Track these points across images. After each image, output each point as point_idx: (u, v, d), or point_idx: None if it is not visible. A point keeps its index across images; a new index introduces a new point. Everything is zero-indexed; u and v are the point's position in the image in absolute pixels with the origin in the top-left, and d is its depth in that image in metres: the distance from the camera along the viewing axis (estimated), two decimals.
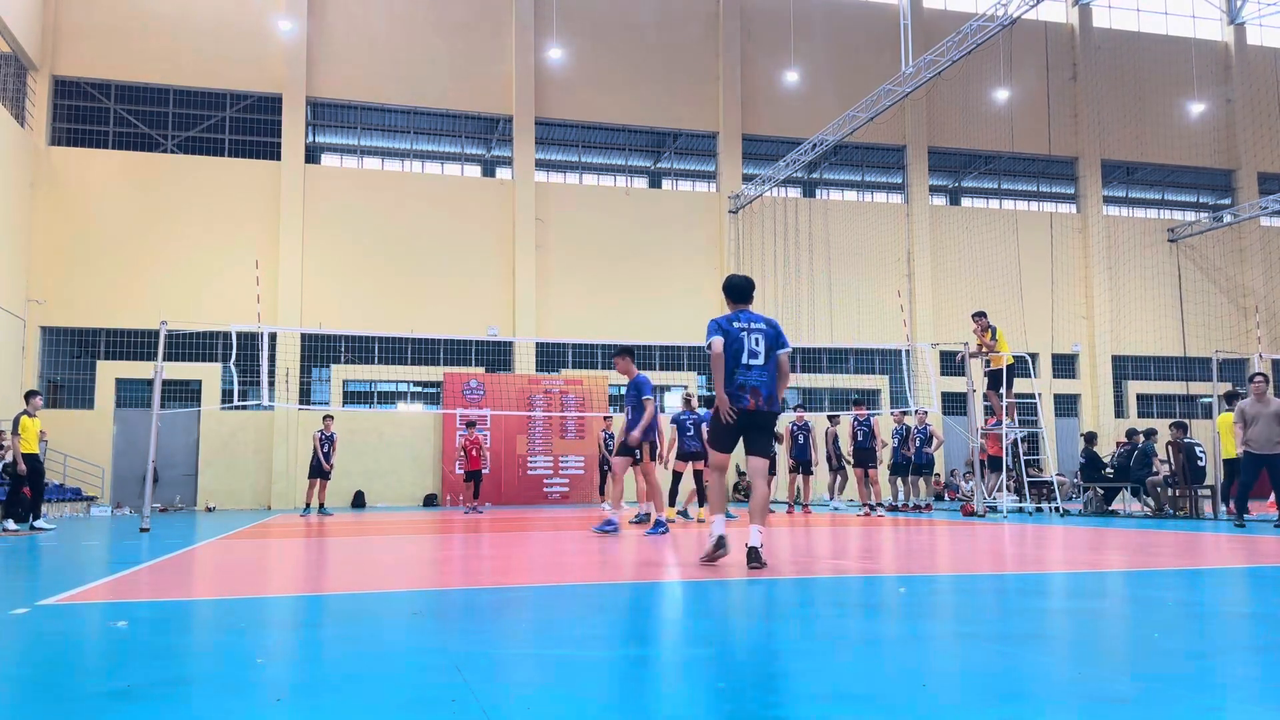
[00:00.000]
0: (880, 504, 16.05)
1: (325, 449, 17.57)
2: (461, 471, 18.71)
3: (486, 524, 13.28)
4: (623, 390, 25.09)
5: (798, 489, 17.19)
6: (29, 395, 13.87)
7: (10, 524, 13.13)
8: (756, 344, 6.35)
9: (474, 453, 18.31)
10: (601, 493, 19.79)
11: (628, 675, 2.92)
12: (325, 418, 18.15)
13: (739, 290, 6.62)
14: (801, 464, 16.63)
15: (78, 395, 22.17)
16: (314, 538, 10.28)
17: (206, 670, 3.06)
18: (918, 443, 17.25)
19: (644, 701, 2.57)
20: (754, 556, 6.00)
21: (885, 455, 17.63)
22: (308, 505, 17.84)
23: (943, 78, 21.43)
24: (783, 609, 4.45)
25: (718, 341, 6.35)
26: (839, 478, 17.91)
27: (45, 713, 2.49)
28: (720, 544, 6.26)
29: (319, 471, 17.60)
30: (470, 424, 18.91)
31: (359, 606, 4.73)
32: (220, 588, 5.55)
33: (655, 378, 24.01)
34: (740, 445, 6.51)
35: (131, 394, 22.34)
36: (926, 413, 17.87)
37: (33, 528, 12.95)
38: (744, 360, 6.32)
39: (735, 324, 6.43)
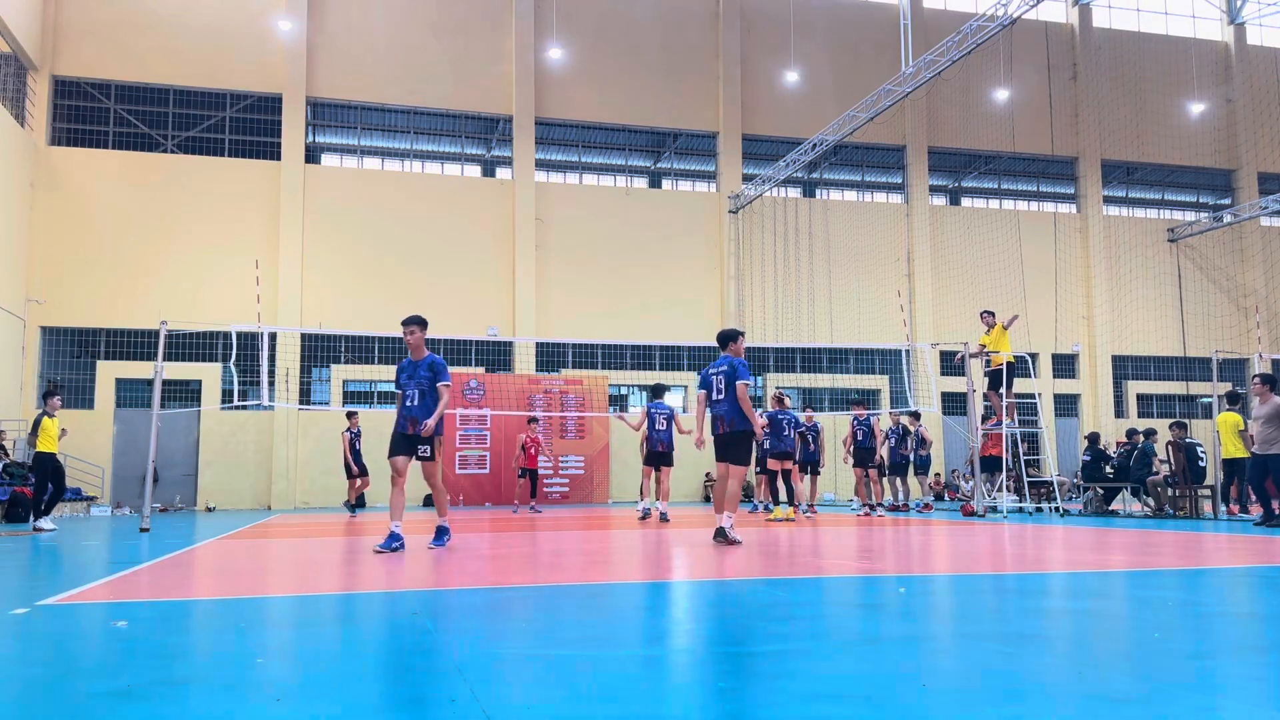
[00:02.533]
0: (881, 504, 16.08)
1: (358, 445, 17.28)
2: (517, 469, 18.31)
3: (487, 524, 13.29)
4: (624, 390, 25.31)
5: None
6: (47, 395, 13.77)
7: (45, 523, 13.09)
8: (720, 383, 8.48)
9: (532, 450, 17.92)
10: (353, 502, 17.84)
11: (628, 675, 2.92)
12: (349, 414, 17.73)
13: (719, 340, 8.81)
14: (809, 464, 16.56)
15: (78, 395, 22.15)
16: (314, 538, 10.27)
17: (206, 670, 3.06)
18: (914, 443, 17.24)
19: (644, 701, 2.57)
20: (719, 535, 8.18)
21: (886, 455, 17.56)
22: (352, 504, 17.62)
23: (943, 78, 21.43)
24: (782, 609, 4.45)
25: (701, 394, 8.79)
26: (899, 479, 17.61)
27: (45, 713, 2.49)
28: (720, 533, 8.18)
29: (356, 470, 17.25)
30: (532, 420, 18.35)
31: (359, 606, 4.73)
32: (220, 588, 5.55)
33: (654, 378, 24.04)
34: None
35: (131, 394, 22.33)
36: (919, 414, 17.85)
37: (35, 528, 12.94)
38: (714, 397, 8.54)
39: (710, 370, 8.66)
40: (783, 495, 14.41)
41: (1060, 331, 26.84)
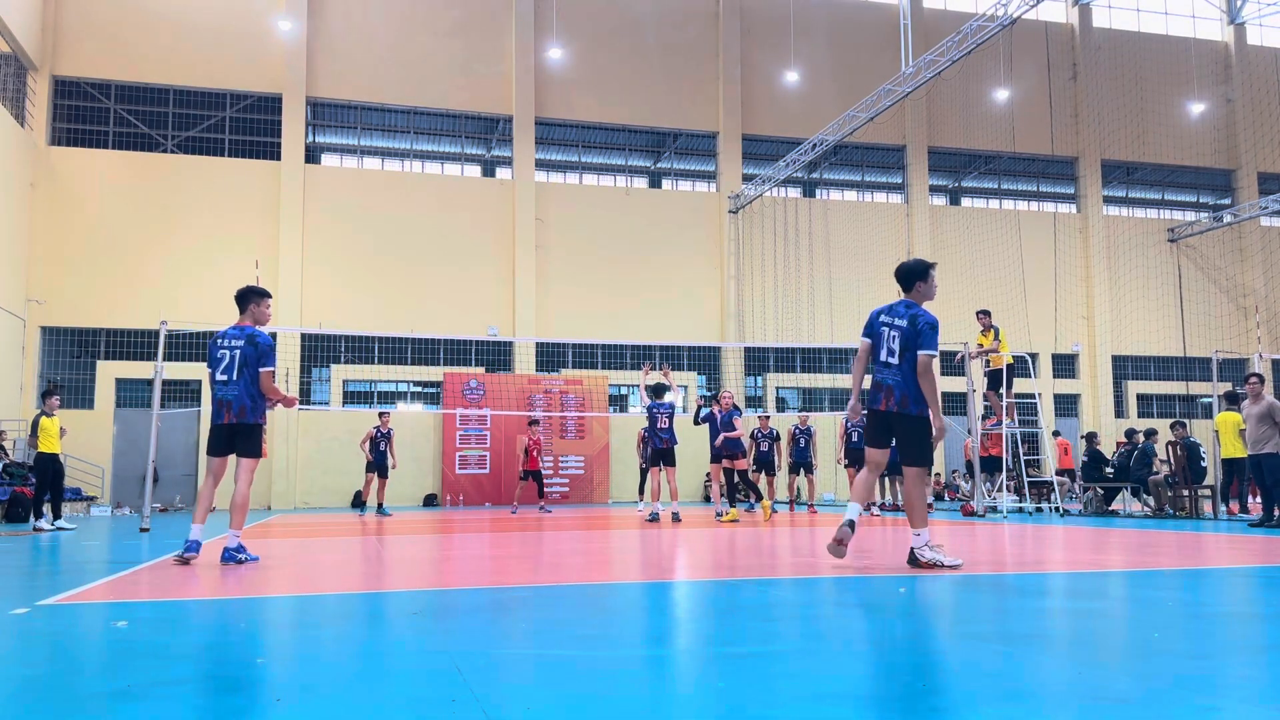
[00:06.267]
0: (875, 503, 16.19)
1: (383, 445, 17.40)
2: (521, 471, 18.33)
3: (488, 524, 13.29)
4: (624, 390, 25.33)
5: (799, 488, 17.41)
6: (45, 395, 13.77)
7: (44, 523, 13.10)
8: (895, 341, 6.15)
9: (535, 453, 17.97)
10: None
11: (627, 675, 2.92)
12: (381, 414, 17.84)
13: (904, 276, 6.34)
14: (802, 465, 16.87)
15: (78, 395, 22.15)
16: (314, 538, 10.28)
17: (206, 670, 3.06)
18: None
19: (644, 701, 2.57)
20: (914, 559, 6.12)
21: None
22: (364, 503, 17.80)
23: (943, 78, 21.42)
24: (781, 609, 4.45)
25: (864, 344, 6.37)
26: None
27: (45, 713, 2.49)
28: (849, 527, 6.13)
29: (375, 468, 17.41)
30: (533, 422, 18.40)
31: (359, 606, 4.73)
32: (220, 588, 5.55)
33: (654, 378, 23.99)
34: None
35: (131, 394, 22.33)
36: None
37: (35, 528, 12.95)
38: (882, 356, 6.20)
39: (882, 316, 6.27)
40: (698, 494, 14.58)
41: (1060, 331, 26.83)
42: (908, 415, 6.11)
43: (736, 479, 13.88)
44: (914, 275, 6.27)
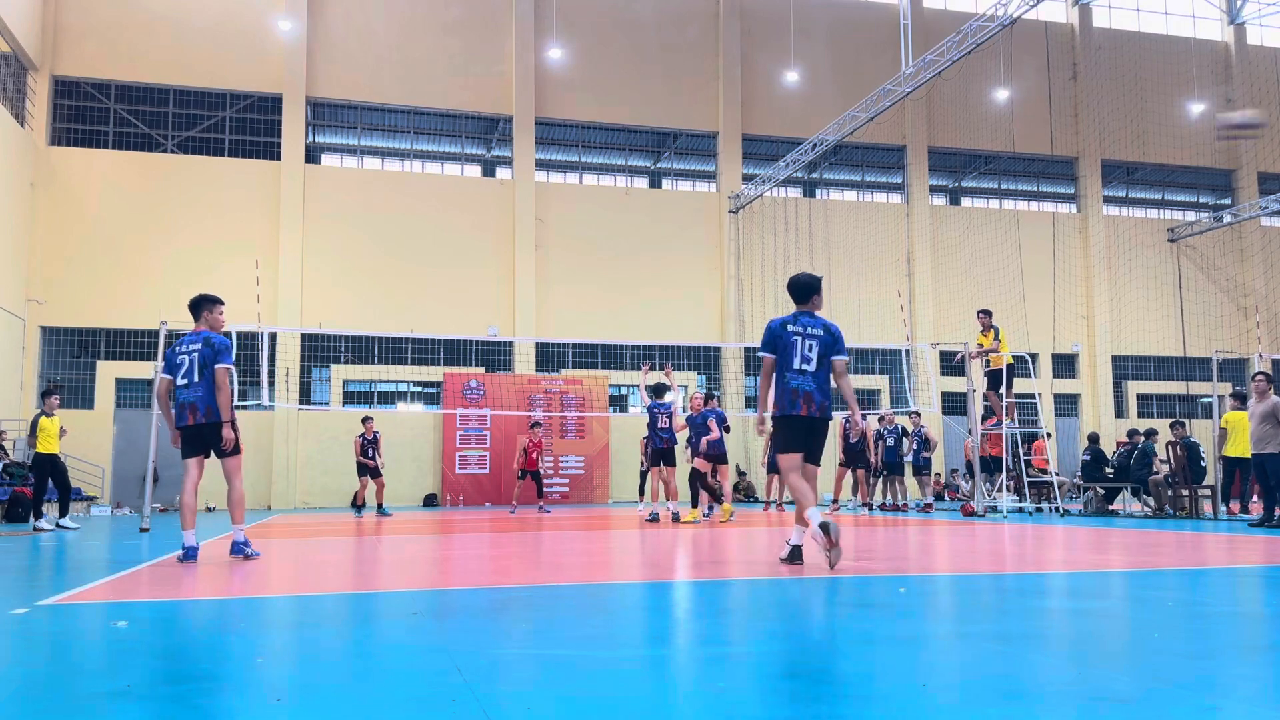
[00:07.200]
0: (868, 504, 16.26)
1: (369, 451, 17.48)
2: (517, 470, 18.33)
3: (487, 524, 13.30)
4: (624, 390, 25.32)
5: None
6: (45, 395, 13.76)
7: (44, 523, 13.10)
8: (812, 349, 6.37)
9: (534, 454, 17.95)
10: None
11: (627, 675, 2.92)
12: (365, 420, 17.85)
13: (801, 289, 6.56)
14: (776, 470, 17.11)
15: (78, 395, 22.15)
16: (314, 538, 10.28)
17: (206, 670, 3.06)
18: (916, 444, 17.32)
19: (644, 702, 2.57)
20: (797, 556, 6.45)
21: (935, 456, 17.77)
22: (361, 505, 18.10)
23: (943, 78, 21.42)
24: (781, 609, 4.45)
25: (768, 360, 6.48)
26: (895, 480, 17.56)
27: (45, 713, 2.49)
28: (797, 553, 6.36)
29: (365, 471, 17.51)
30: (535, 424, 18.37)
31: (359, 606, 4.73)
32: (220, 588, 5.55)
33: (655, 377, 23.99)
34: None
35: (131, 394, 22.33)
36: (919, 413, 17.97)
37: (35, 528, 12.95)
38: (797, 364, 6.35)
39: (791, 328, 6.44)
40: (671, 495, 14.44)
41: (1060, 331, 26.83)
42: (828, 420, 6.48)
43: (713, 480, 13.77)
44: (811, 289, 6.57)
